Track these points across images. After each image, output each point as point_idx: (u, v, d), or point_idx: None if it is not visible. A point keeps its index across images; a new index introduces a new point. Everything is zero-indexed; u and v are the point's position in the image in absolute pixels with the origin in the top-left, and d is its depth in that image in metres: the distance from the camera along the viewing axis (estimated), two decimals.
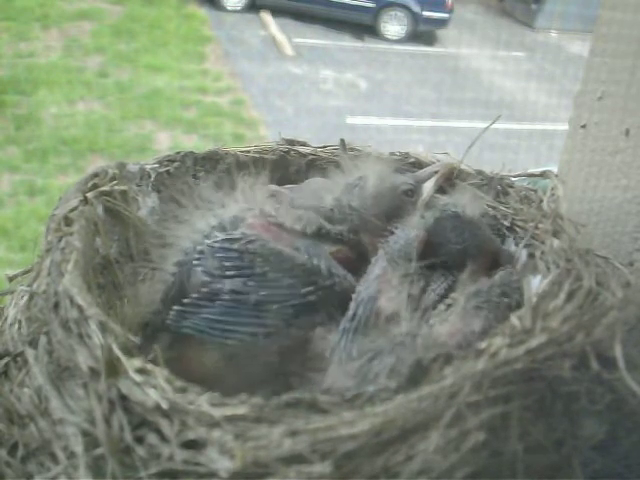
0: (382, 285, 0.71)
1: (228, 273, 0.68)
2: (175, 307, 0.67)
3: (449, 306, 0.68)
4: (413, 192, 0.87)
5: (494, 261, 0.77)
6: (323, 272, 0.71)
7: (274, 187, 0.87)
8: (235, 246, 0.70)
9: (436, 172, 0.90)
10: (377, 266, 0.74)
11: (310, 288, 0.69)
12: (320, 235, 0.77)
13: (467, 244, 0.74)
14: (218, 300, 0.67)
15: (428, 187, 0.88)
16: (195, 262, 0.70)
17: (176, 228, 0.76)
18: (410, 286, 0.70)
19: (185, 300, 0.67)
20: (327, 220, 0.80)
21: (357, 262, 0.78)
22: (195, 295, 0.68)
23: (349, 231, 0.81)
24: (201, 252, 0.71)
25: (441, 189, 0.90)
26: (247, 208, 0.77)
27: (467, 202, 0.81)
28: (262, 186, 0.83)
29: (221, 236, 0.72)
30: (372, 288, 0.71)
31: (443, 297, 0.70)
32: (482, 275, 0.74)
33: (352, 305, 0.69)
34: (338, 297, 0.71)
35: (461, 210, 0.78)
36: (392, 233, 0.78)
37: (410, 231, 0.76)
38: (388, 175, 0.87)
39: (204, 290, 0.68)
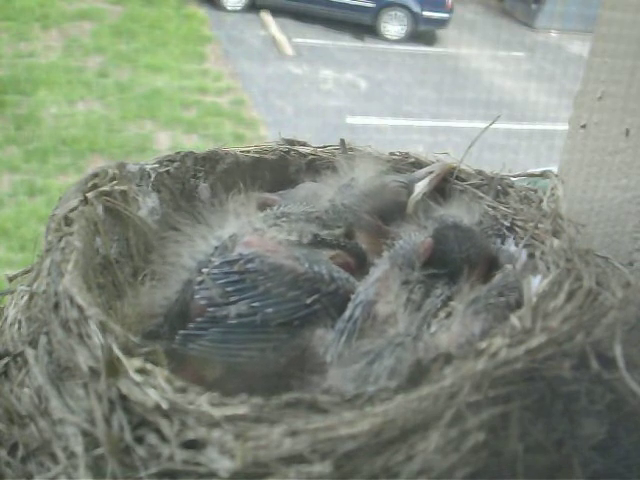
0: (381, 288, 0.71)
1: (232, 299, 0.67)
2: (181, 331, 0.66)
3: (449, 314, 0.68)
4: (403, 190, 0.88)
5: (492, 265, 0.78)
6: (325, 278, 0.71)
7: (266, 195, 0.87)
8: (235, 268, 0.69)
9: (431, 172, 0.90)
10: (378, 269, 0.74)
11: (315, 297, 0.69)
12: (316, 243, 0.77)
13: (469, 253, 0.76)
14: (223, 322, 0.66)
15: (421, 186, 0.89)
16: (197, 289, 0.69)
17: (177, 245, 0.75)
18: (410, 291, 0.71)
19: (190, 325, 0.67)
20: (321, 225, 0.80)
21: (356, 265, 0.78)
22: (200, 319, 0.67)
23: (345, 235, 0.81)
24: (202, 281, 0.69)
25: (437, 191, 0.91)
26: (245, 224, 0.76)
27: (464, 212, 0.83)
28: (254, 196, 0.83)
29: (219, 260, 0.71)
30: (371, 291, 0.71)
31: (445, 304, 0.70)
32: (480, 282, 0.74)
33: (349, 306, 0.70)
34: (341, 300, 0.71)
35: (459, 220, 0.80)
36: (400, 238, 0.79)
37: (416, 237, 0.77)
38: (379, 174, 0.88)
39: (208, 314, 0.67)
